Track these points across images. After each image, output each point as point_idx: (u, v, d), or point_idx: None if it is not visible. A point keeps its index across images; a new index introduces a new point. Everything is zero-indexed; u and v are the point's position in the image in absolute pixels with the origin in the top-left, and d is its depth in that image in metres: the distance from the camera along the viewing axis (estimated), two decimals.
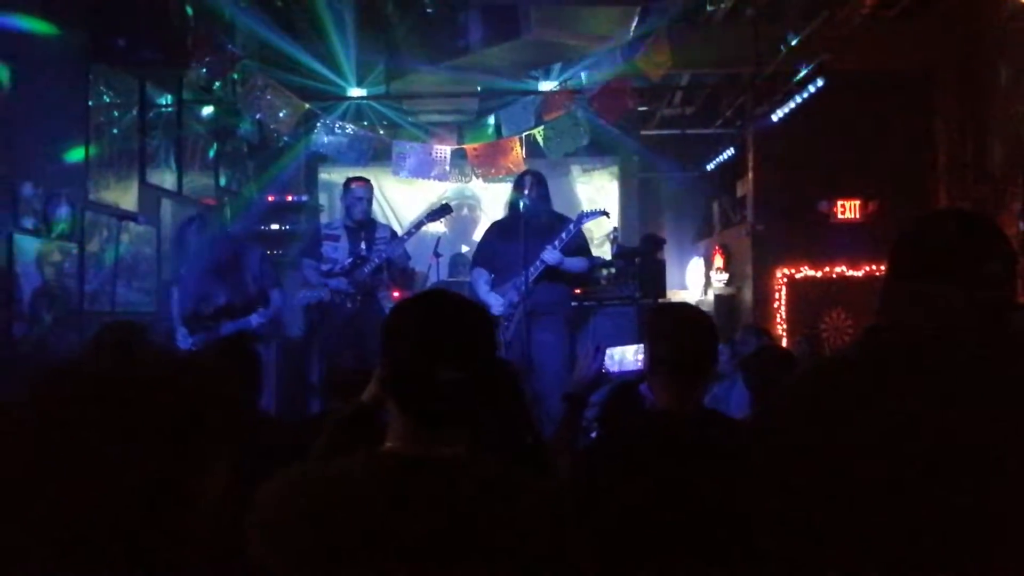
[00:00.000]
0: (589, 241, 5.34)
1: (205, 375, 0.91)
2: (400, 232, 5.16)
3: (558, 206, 5.22)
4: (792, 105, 6.50)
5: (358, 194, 4.95)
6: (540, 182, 4.83)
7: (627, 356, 2.17)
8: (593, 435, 2.58)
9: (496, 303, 4.72)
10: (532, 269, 4.68)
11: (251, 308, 4.46)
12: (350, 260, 4.84)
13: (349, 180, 5.08)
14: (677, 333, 1.87)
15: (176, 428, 0.82)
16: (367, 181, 5.07)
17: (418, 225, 5.04)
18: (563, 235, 4.73)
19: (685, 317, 1.95)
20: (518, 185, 4.85)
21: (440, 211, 5.14)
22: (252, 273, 4.53)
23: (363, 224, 4.98)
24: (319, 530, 1.18)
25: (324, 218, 8.24)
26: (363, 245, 4.90)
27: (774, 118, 6.81)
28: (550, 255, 4.67)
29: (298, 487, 1.24)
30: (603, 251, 6.60)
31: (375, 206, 5.89)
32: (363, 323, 4.78)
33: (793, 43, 6.03)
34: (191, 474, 0.83)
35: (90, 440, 0.79)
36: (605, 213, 5.18)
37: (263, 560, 1.20)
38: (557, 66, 6.87)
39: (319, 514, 1.19)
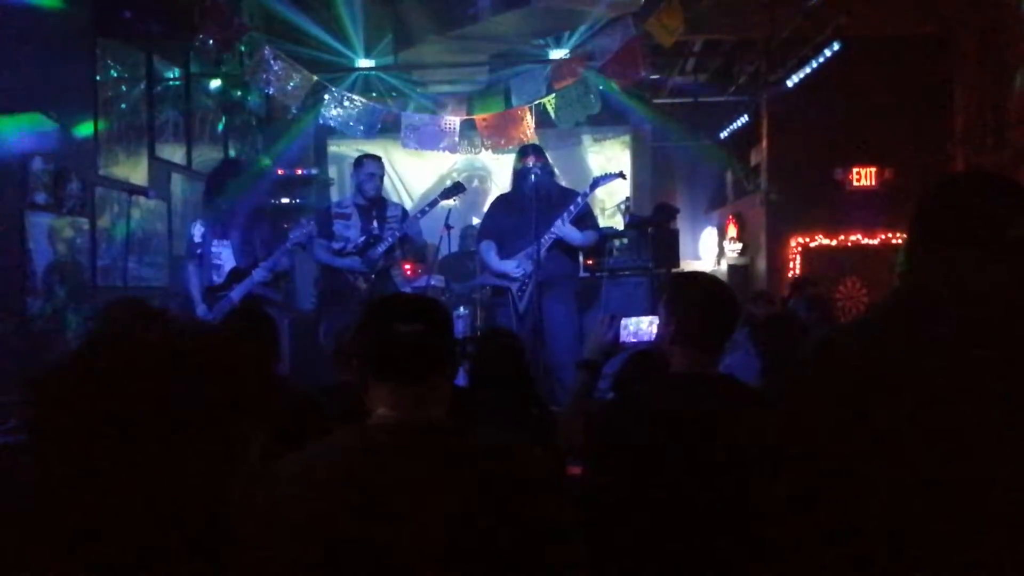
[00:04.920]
0: (602, 211, 5.34)
1: (243, 346, 0.89)
2: (411, 209, 5.14)
3: (569, 176, 5.20)
4: (807, 70, 6.39)
5: (370, 170, 4.92)
6: (544, 156, 4.87)
7: (642, 326, 2.19)
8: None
9: (512, 267, 4.74)
10: (543, 240, 4.68)
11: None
12: (362, 239, 4.82)
13: (361, 157, 5.04)
14: (702, 302, 1.89)
15: (224, 398, 0.81)
16: (379, 158, 5.03)
17: (432, 204, 5.00)
18: (573, 206, 4.74)
19: (709, 286, 1.98)
20: (522, 158, 4.87)
21: (453, 189, 5.11)
22: (261, 238, 4.54)
23: (374, 202, 4.95)
24: (319, 496, 1.27)
25: (334, 192, 8.21)
26: (375, 224, 4.88)
27: (789, 84, 6.70)
28: (560, 229, 4.69)
29: (298, 462, 1.34)
30: (615, 221, 6.55)
31: (385, 179, 5.85)
32: None
33: (809, 6, 5.91)
34: (236, 443, 0.82)
35: (142, 411, 0.77)
36: (621, 175, 5.14)
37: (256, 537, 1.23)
38: (567, 34, 6.76)
39: (317, 482, 1.29)
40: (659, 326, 1.99)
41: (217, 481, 0.79)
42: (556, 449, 2.39)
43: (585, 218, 4.87)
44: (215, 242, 4.53)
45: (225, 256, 4.52)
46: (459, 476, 1.29)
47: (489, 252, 4.91)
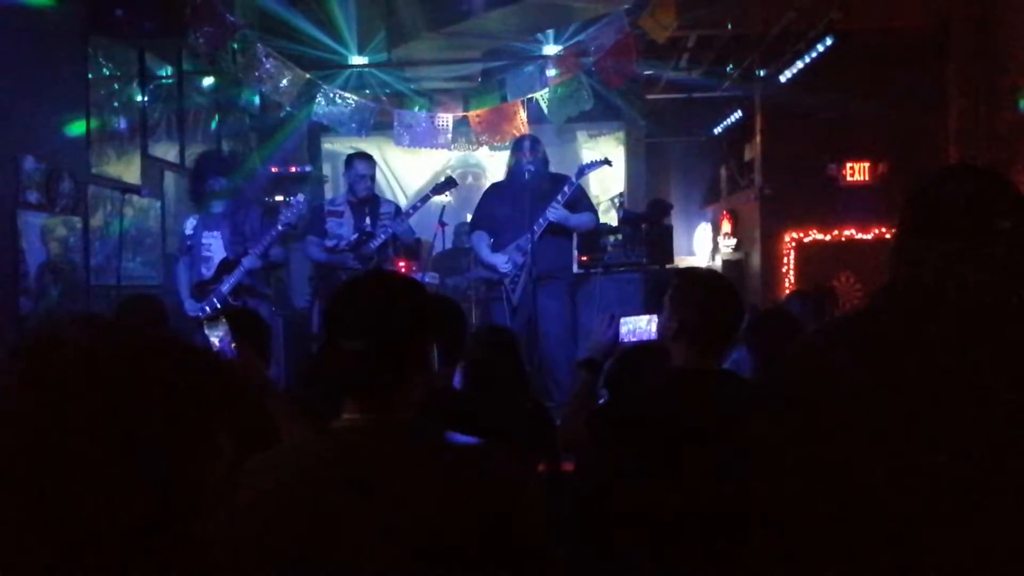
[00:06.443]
0: (596, 207, 5.33)
1: (200, 350, 0.86)
2: (404, 207, 5.13)
3: (563, 172, 5.20)
4: (800, 65, 6.41)
5: (360, 171, 4.90)
6: (538, 146, 4.84)
7: (640, 325, 2.19)
8: (601, 400, 2.58)
9: (501, 262, 4.74)
10: (535, 229, 4.68)
11: None
12: (355, 236, 4.80)
13: (351, 157, 5.02)
14: (706, 299, 1.89)
15: (175, 405, 0.76)
16: (370, 157, 5.01)
17: (423, 200, 4.99)
18: (565, 188, 4.74)
19: (714, 283, 1.98)
20: (517, 148, 4.86)
21: (445, 184, 5.10)
22: (252, 228, 4.50)
23: (367, 199, 4.94)
24: (270, 497, 1.26)
25: (328, 189, 8.20)
26: (368, 221, 4.86)
27: (782, 79, 6.72)
28: (554, 212, 4.68)
29: (268, 459, 1.32)
30: (609, 217, 6.55)
31: (379, 176, 5.86)
32: None
33: (801, 1, 5.91)
34: (195, 454, 0.78)
35: (85, 422, 0.72)
36: (607, 162, 5.15)
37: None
38: (561, 29, 6.76)
39: (269, 483, 1.27)
40: (662, 322, 1.98)
41: (171, 496, 0.75)
42: (551, 445, 2.39)
43: (577, 202, 4.86)
44: (205, 234, 4.48)
45: (215, 248, 4.47)
46: (414, 479, 1.24)
47: (481, 243, 4.92)
